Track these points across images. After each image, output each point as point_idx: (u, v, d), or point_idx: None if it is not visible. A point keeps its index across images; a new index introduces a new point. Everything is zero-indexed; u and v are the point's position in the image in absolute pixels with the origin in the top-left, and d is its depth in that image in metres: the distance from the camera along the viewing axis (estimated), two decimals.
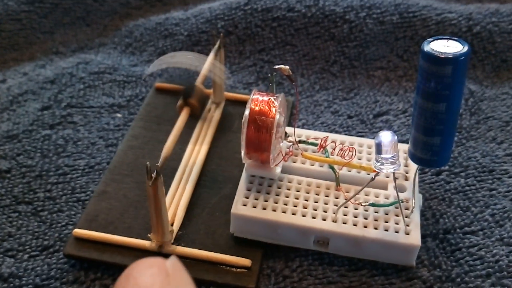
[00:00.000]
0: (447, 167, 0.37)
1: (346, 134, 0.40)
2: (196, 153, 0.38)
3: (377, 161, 0.29)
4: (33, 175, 0.38)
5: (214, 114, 0.41)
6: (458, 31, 0.46)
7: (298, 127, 0.41)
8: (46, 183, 0.37)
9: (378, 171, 0.29)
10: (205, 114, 0.41)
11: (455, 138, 0.39)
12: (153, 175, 0.29)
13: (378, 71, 0.45)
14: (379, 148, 0.28)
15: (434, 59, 0.27)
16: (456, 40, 0.28)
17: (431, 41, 0.28)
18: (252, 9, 0.48)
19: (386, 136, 0.28)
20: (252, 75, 0.46)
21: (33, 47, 0.49)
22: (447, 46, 0.28)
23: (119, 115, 0.42)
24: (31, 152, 0.39)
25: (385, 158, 0.28)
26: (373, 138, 0.40)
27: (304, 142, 0.36)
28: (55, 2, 0.50)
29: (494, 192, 0.36)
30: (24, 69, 0.47)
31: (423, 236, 0.33)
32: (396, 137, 0.29)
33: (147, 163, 0.29)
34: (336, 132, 0.41)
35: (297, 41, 0.47)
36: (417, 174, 0.34)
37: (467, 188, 0.36)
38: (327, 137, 0.36)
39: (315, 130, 0.41)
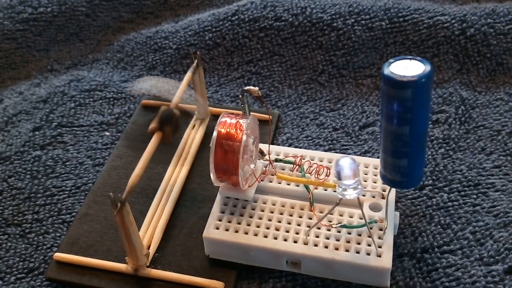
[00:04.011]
0: (430, 182, 0.36)
1: (330, 148, 0.40)
2: (177, 172, 0.38)
3: (339, 187, 0.28)
4: (22, 197, 0.39)
5: (198, 131, 0.41)
6: (451, 34, 0.44)
7: (283, 141, 0.41)
8: (34, 205, 0.39)
9: (341, 197, 0.28)
10: (188, 131, 0.41)
11: (442, 150, 0.38)
12: (118, 205, 0.29)
13: (367, 79, 0.44)
14: (339, 175, 0.28)
15: (393, 82, 0.26)
16: (418, 60, 0.27)
17: (393, 62, 0.27)
18: (239, 20, 0.47)
19: (345, 163, 0.27)
20: (240, 88, 0.45)
21: (29, 65, 0.50)
22: (407, 68, 0.27)
23: (107, 133, 0.43)
24: (21, 174, 0.40)
25: (346, 184, 0.28)
26: (356, 152, 0.39)
27: (280, 160, 0.36)
28: (49, 19, 0.51)
29: (477, 207, 0.34)
30: (20, 88, 0.48)
31: (400, 256, 0.33)
32: (356, 163, 0.28)
33: (111, 194, 0.29)
34: (320, 146, 0.40)
35: (284, 51, 0.46)
36: (392, 193, 0.33)
37: (450, 204, 0.35)
38: (302, 156, 0.35)
39: (299, 144, 0.40)
